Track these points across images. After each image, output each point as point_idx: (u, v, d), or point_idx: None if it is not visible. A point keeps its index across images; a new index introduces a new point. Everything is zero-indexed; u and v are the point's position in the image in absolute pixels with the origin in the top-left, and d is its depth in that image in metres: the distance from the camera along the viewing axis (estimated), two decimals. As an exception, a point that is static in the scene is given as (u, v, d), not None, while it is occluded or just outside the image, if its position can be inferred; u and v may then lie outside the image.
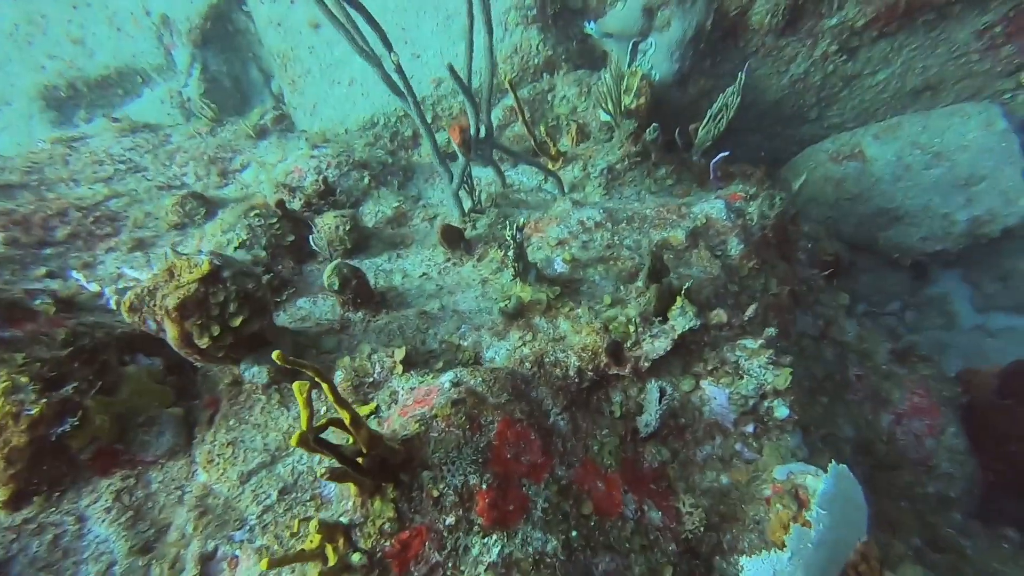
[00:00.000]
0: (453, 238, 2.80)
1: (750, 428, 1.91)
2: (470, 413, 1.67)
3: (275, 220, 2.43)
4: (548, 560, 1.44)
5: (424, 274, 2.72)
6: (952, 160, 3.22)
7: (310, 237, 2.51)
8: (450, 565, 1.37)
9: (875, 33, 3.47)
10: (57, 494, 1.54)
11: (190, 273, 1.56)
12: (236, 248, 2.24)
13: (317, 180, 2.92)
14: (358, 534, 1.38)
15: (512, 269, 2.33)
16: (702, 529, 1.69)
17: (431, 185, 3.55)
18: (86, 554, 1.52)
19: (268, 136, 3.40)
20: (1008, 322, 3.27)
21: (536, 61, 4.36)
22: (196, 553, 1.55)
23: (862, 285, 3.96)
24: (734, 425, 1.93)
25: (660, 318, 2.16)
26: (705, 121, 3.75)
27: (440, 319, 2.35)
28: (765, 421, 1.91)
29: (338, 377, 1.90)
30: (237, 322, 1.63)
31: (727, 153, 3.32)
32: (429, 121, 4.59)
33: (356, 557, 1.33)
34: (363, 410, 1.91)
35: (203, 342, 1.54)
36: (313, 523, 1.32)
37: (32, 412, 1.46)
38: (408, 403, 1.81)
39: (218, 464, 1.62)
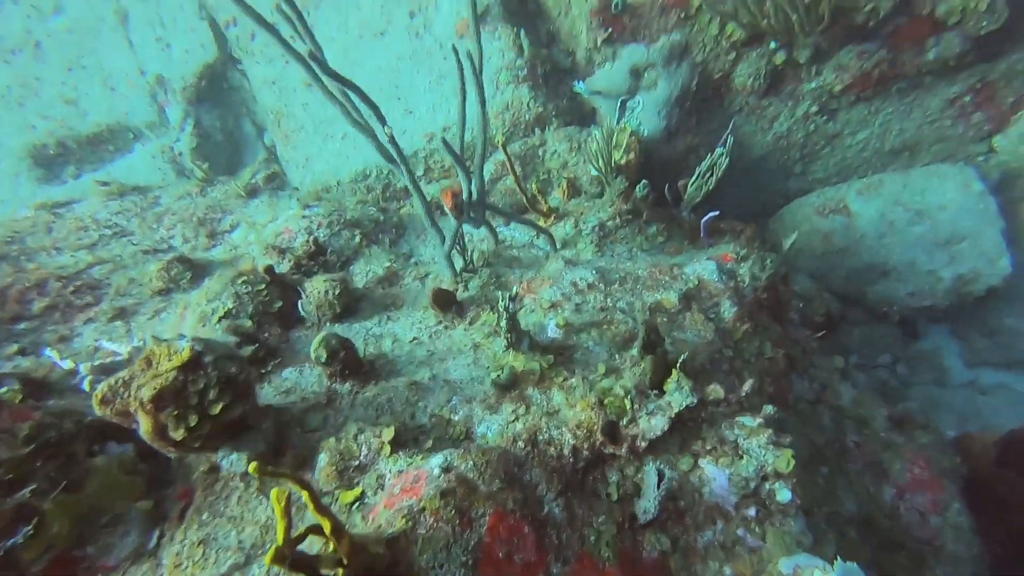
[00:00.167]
0: (444, 301, 2.77)
1: (752, 512, 1.84)
2: (460, 506, 1.58)
3: (263, 286, 2.38)
4: None
5: (415, 339, 2.67)
6: (934, 219, 3.30)
7: (298, 303, 2.46)
8: None
9: (853, 97, 3.61)
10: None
11: (169, 361, 1.50)
12: (221, 318, 2.18)
13: (307, 241, 2.89)
14: (338, 655, 1.27)
15: (505, 340, 2.29)
16: (707, 629, 1.59)
17: (423, 241, 3.54)
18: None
19: (259, 195, 3.40)
20: (999, 378, 3.29)
21: (527, 117, 4.46)
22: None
23: (853, 338, 3.97)
24: (735, 508, 1.86)
25: (656, 391, 2.12)
26: (694, 178, 3.83)
27: (430, 390, 2.29)
28: (767, 505, 1.84)
29: (322, 461, 1.81)
30: (217, 409, 1.56)
31: (716, 213, 3.37)
32: (421, 173, 4.65)
33: None
34: (347, 496, 1.81)
35: (178, 434, 1.46)
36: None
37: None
38: (395, 491, 1.72)
39: (186, 568, 1.50)
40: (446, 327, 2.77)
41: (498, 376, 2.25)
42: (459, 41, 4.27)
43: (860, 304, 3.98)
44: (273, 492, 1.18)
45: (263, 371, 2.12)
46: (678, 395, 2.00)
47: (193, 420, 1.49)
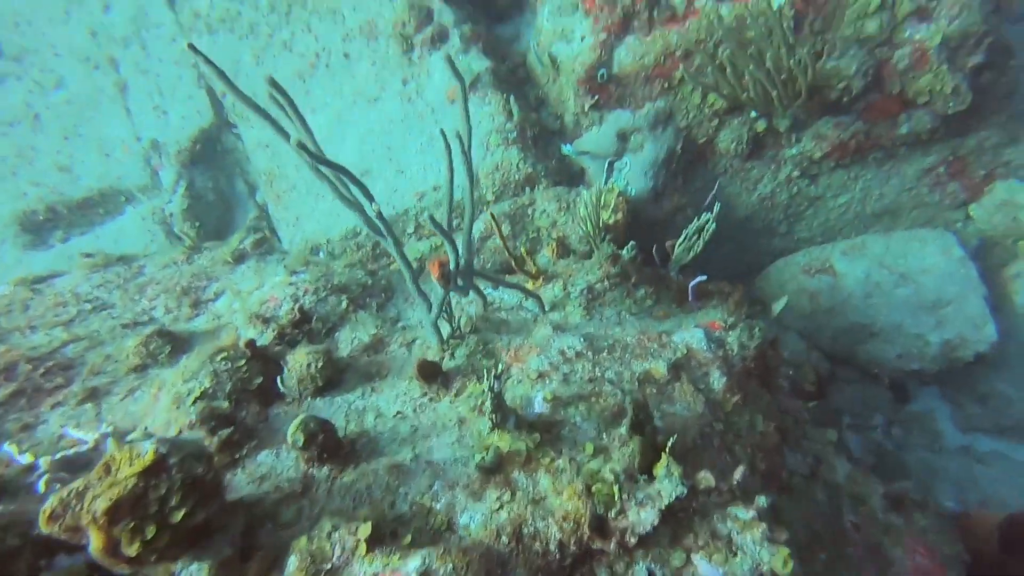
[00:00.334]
0: (429, 373, 2.72)
1: (748, 615, 1.74)
2: (438, 621, 1.48)
3: (243, 362, 2.32)
4: None
5: (399, 412, 2.60)
6: (917, 282, 3.34)
7: (278, 379, 2.39)
8: None
9: (832, 163, 3.73)
10: None
11: (130, 466, 1.42)
12: (197, 399, 2.11)
13: (292, 309, 2.86)
14: None
15: (490, 421, 2.23)
16: None
17: (411, 304, 3.52)
18: None
19: (247, 260, 3.39)
20: (993, 445, 3.24)
21: (517, 177, 4.55)
22: None
23: (844, 396, 3.93)
24: (731, 611, 1.76)
25: (645, 476, 2.05)
26: (681, 240, 3.88)
27: (412, 474, 2.20)
28: (764, 607, 1.74)
29: (291, 565, 1.71)
30: (179, 516, 1.47)
31: (704, 278, 3.39)
32: (411, 230, 4.69)
33: None
34: (319, 602, 1.70)
35: (133, 549, 1.37)
36: None
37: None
38: (369, 599, 1.62)
39: None
40: (431, 399, 2.70)
41: (483, 459, 2.17)
42: (450, 106, 4.41)
43: (849, 363, 3.96)
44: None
45: (237, 456, 2.03)
46: (668, 484, 1.93)
47: (151, 531, 1.40)
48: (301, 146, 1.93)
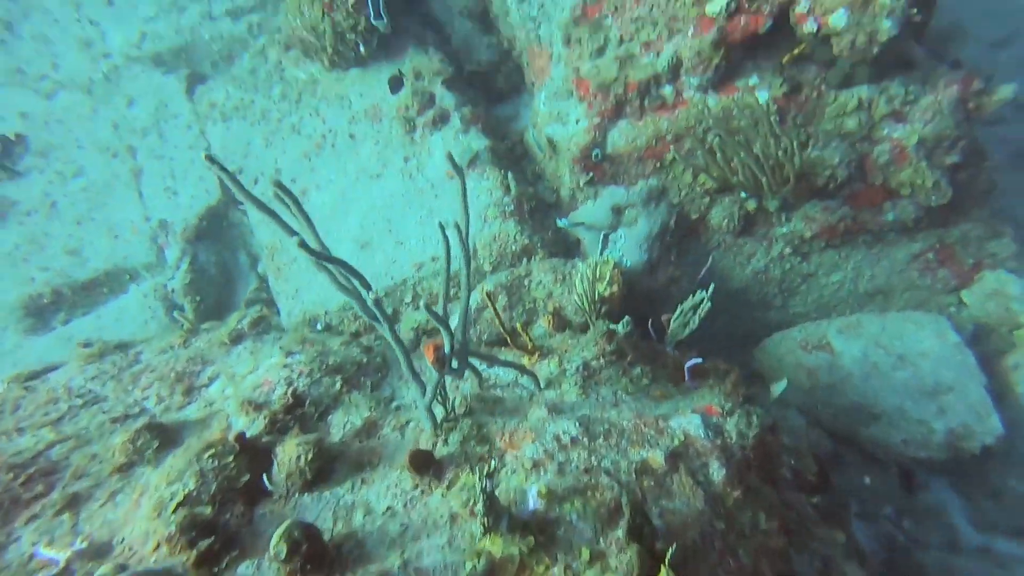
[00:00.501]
0: (421, 463, 2.66)
1: None
2: None
3: (231, 459, 2.28)
4: None
5: (388, 508, 2.52)
6: (916, 365, 3.33)
7: (264, 476, 2.34)
8: None
9: (823, 243, 3.81)
10: None
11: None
12: (179, 505, 2.05)
13: (286, 393, 2.83)
14: None
15: (482, 525, 2.16)
16: None
17: (405, 383, 3.49)
18: None
19: (244, 341, 3.40)
20: (1015, 550, 3.08)
21: (514, 248, 4.64)
22: None
23: (848, 481, 3.81)
24: None
25: (643, 590, 1.96)
26: (676, 315, 3.90)
27: (399, 584, 2.11)
28: None
29: None
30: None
31: (700, 360, 3.38)
32: (409, 299, 4.73)
33: None
34: None
35: None
36: None
37: None
38: None
39: None
40: (423, 491, 2.63)
41: (473, 568, 2.09)
42: (450, 181, 4.56)
43: (853, 443, 3.87)
44: None
45: (216, 570, 1.95)
46: (667, 605, 1.84)
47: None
48: (303, 246, 1.99)
